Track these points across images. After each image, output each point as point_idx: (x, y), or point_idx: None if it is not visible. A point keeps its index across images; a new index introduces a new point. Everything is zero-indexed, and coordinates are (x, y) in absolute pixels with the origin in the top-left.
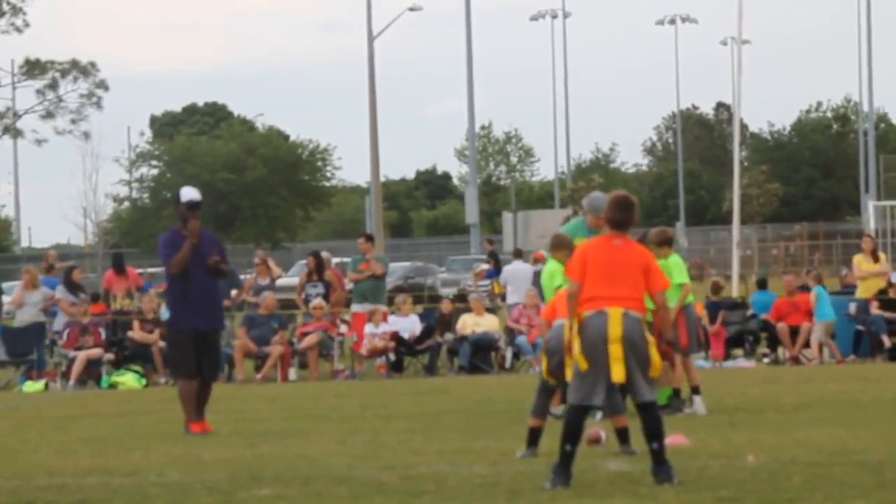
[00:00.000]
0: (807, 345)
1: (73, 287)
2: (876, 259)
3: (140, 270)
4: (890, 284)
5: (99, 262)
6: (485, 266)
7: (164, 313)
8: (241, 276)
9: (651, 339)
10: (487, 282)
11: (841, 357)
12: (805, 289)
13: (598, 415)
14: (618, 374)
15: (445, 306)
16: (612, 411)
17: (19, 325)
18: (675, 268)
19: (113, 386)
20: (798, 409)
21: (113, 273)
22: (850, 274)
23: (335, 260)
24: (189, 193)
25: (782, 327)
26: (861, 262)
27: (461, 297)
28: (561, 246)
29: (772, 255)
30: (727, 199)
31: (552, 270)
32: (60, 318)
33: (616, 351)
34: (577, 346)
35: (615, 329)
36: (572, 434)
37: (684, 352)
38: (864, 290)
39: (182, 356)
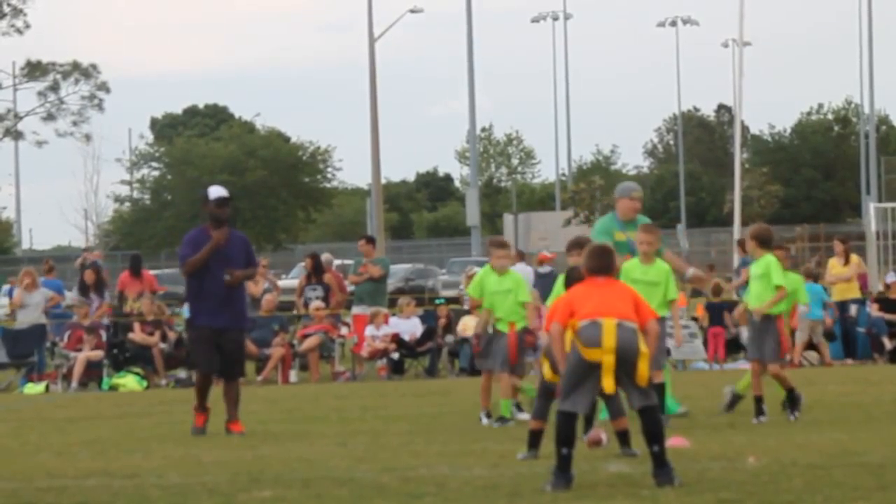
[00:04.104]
0: (808, 346)
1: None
2: (847, 261)
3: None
4: (887, 286)
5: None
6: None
7: (186, 311)
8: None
9: (644, 350)
10: None
11: (830, 360)
12: None
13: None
14: (609, 385)
15: (442, 312)
16: (613, 414)
17: (20, 327)
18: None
19: (114, 388)
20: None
21: (129, 275)
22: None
23: (337, 262)
24: (217, 191)
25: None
26: (833, 266)
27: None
28: (575, 248)
29: None
30: (728, 200)
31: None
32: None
33: (609, 361)
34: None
35: (609, 339)
36: (565, 439)
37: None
38: (837, 294)
39: (199, 352)
